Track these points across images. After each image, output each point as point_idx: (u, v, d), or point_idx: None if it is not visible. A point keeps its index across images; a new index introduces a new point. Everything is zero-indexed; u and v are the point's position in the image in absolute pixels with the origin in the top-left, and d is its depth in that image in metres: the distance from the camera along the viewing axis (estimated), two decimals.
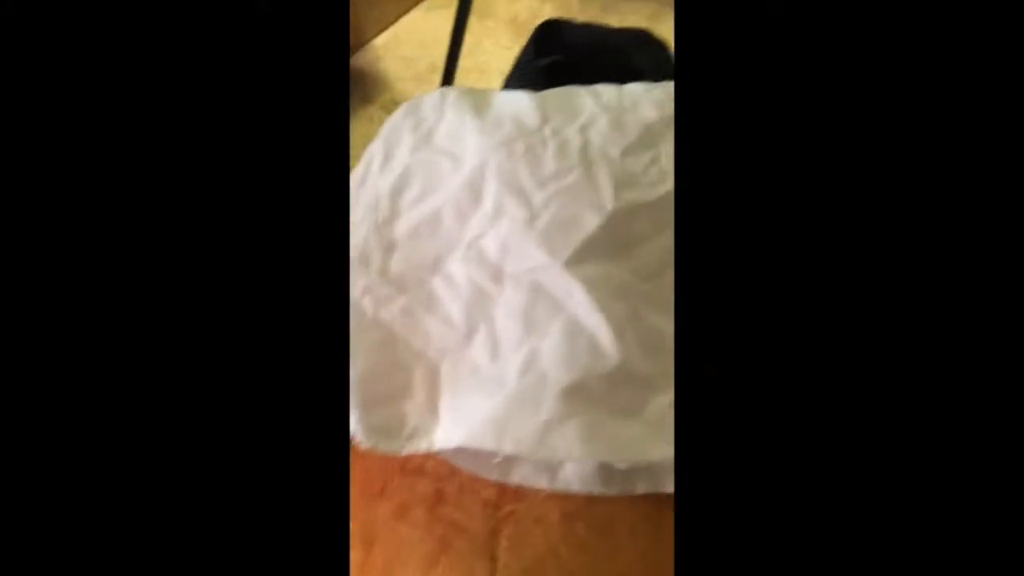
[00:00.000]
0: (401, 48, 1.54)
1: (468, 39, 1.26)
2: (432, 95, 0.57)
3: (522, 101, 0.54)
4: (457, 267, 0.48)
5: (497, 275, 0.47)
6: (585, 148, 0.50)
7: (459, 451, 0.45)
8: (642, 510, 0.46)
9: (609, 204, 0.47)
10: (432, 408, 0.46)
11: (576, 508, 0.46)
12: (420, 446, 0.44)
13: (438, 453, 0.45)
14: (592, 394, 0.42)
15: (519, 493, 0.46)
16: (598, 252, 0.46)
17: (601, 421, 0.42)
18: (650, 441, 0.42)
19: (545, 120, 0.52)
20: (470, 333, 0.46)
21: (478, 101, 0.56)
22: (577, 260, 0.45)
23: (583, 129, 0.51)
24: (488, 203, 0.49)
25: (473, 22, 1.56)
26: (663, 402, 0.43)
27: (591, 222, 0.46)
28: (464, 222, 0.49)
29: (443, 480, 0.47)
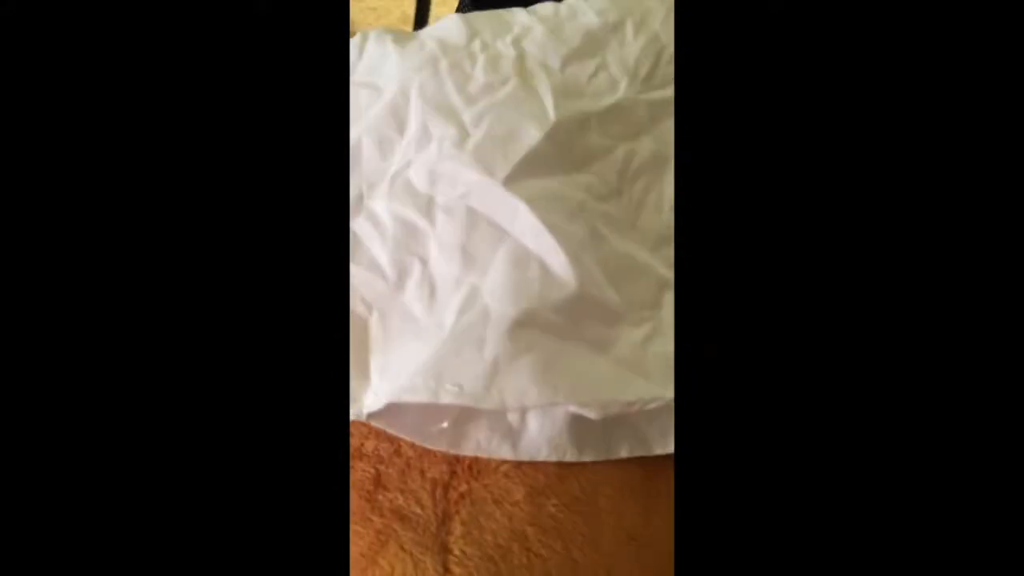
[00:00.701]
0: None
1: None
2: (354, 38, 0.53)
3: (448, 23, 0.49)
4: (381, 204, 0.41)
5: (428, 208, 0.40)
6: (520, 59, 0.44)
7: (400, 420, 0.37)
8: (628, 479, 0.37)
9: (552, 114, 0.40)
10: (362, 370, 0.38)
11: (546, 482, 0.37)
12: (350, 414, 0.37)
13: (373, 422, 0.37)
14: (547, 327, 0.35)
15: (475, 469, 0.38)
16: (543, 167, 0.39)
17: (559, 357, 0.34)
18: (623, 379, 0.34)
19: (473, 36, 0.46)
20: (401, 278, 0.39)
21: (403, 37, 0.51)
22: (518, 176, 0.38)
23: (516, 41, 0.46)
24: (413, 128, 0.43)
25: None
26: (636, 336, 0.35)
27: (532, 135, 0.40)
28: (387, 153, 0.43)
29: (384, 462, 0.38)
